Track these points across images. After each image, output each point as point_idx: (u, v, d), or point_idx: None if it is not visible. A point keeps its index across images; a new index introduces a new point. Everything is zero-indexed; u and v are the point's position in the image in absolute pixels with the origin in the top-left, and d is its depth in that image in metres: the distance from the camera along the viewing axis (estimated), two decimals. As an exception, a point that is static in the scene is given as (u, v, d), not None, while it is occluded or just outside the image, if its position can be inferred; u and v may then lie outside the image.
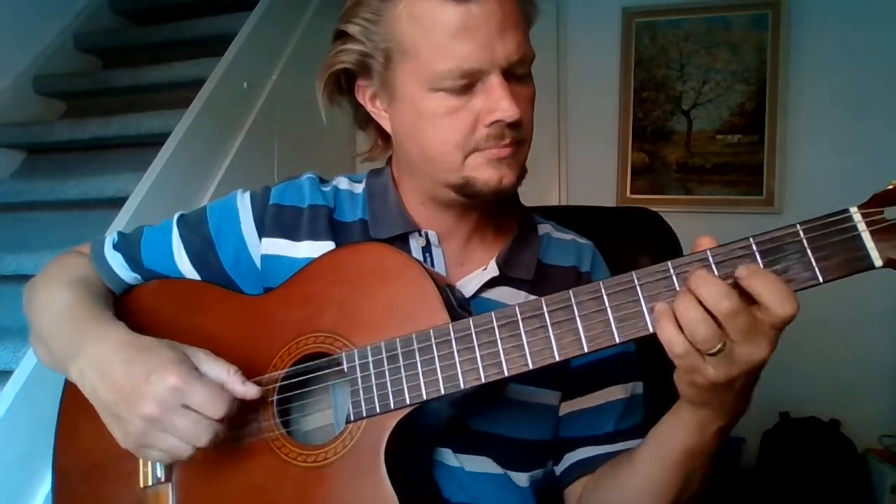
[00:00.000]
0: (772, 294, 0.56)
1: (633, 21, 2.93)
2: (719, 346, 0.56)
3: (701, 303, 0.56)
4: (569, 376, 0.84)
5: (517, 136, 0.76)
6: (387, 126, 0.84)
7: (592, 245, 0.94)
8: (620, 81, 2.96)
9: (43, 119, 2.55)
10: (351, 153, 2.24)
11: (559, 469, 0.87)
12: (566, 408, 0.86)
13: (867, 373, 2.62)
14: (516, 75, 0.75)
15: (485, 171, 0.77)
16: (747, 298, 0.57)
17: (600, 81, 2.99)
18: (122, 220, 1.72)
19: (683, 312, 0.57)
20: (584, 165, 3.02)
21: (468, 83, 0.73)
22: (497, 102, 0.73)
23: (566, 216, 1.00)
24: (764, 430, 2.60)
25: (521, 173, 0.80)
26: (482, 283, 0.84)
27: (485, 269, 0.85)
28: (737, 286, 0.57)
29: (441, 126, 0.75)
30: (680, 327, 0.57)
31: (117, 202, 1.81)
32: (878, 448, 2.52)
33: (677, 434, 0.69)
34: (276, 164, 2.35)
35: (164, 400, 0.68)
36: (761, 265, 0.58)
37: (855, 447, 2.50)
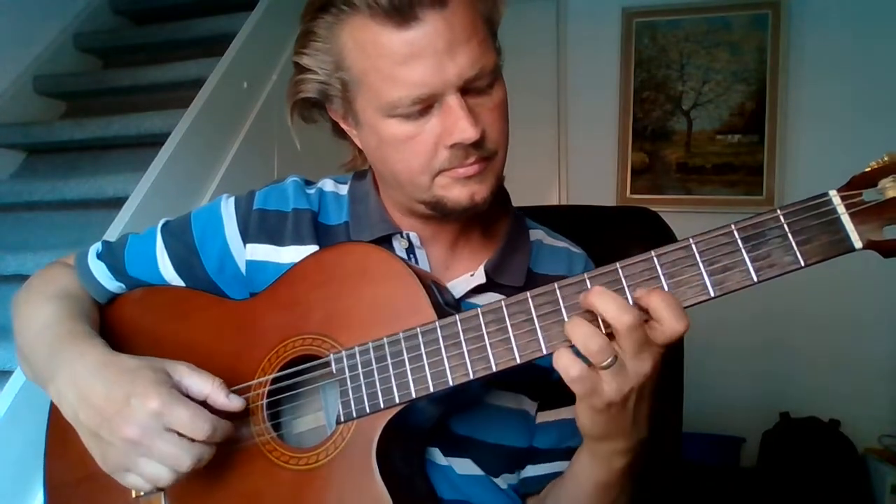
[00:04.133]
0: (669, 310, 0.58)
1: (633, 21, 2.93)
2: (611, 358, 0.59)
3: (597, 317, 0.60)
4: (548, 387, 0.83)
5: (483, 152, 0.73)
6: (360, 144, 0.82)
7: (585, 254, 0.92)
8: (620, 81, 2.96)
9: (43, 119, 2.55)
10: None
11: (521, 476, 0.86)
12: (540, 418, 0.85)
13: (867, 373, 2.61)
14: (476, 88, 0.72)
15: (454, 190, 0.74)
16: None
17: (600, 81, 2.99)
18: (122, 221, 1.72)
19: (574, 329, 0.60)
20: (584, 165, 3.03)
21: (424, 107, 0.70)
22: (454, 124, 0.70)
23: (566, 216, 0.99)
24: (764, 430, 2.60)
25: (496, 184, 0.78)
26: (469, 288, 0.83)
27: (472, 274, 0.83)
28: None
29: (403, 151, 0.73)
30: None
31: (117, 202, 1.81)
32: (877, 448, 2.52)
33: (587, 471, 0.72)
34: (275, 164, 2.34)
35: (146, 423, 0.67)
36: (744, 251, 0.59)
37: (855, 447, 2.50)
